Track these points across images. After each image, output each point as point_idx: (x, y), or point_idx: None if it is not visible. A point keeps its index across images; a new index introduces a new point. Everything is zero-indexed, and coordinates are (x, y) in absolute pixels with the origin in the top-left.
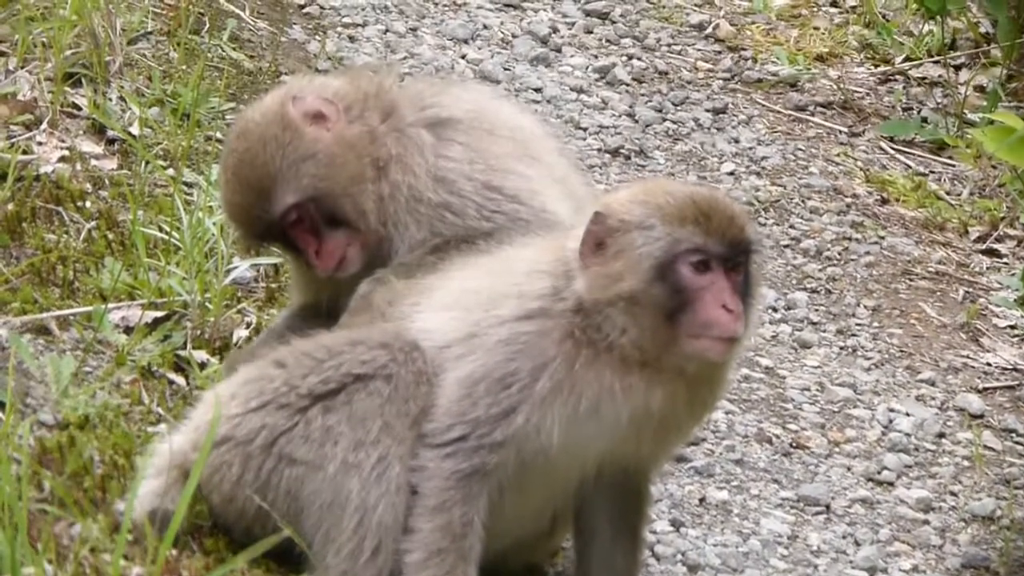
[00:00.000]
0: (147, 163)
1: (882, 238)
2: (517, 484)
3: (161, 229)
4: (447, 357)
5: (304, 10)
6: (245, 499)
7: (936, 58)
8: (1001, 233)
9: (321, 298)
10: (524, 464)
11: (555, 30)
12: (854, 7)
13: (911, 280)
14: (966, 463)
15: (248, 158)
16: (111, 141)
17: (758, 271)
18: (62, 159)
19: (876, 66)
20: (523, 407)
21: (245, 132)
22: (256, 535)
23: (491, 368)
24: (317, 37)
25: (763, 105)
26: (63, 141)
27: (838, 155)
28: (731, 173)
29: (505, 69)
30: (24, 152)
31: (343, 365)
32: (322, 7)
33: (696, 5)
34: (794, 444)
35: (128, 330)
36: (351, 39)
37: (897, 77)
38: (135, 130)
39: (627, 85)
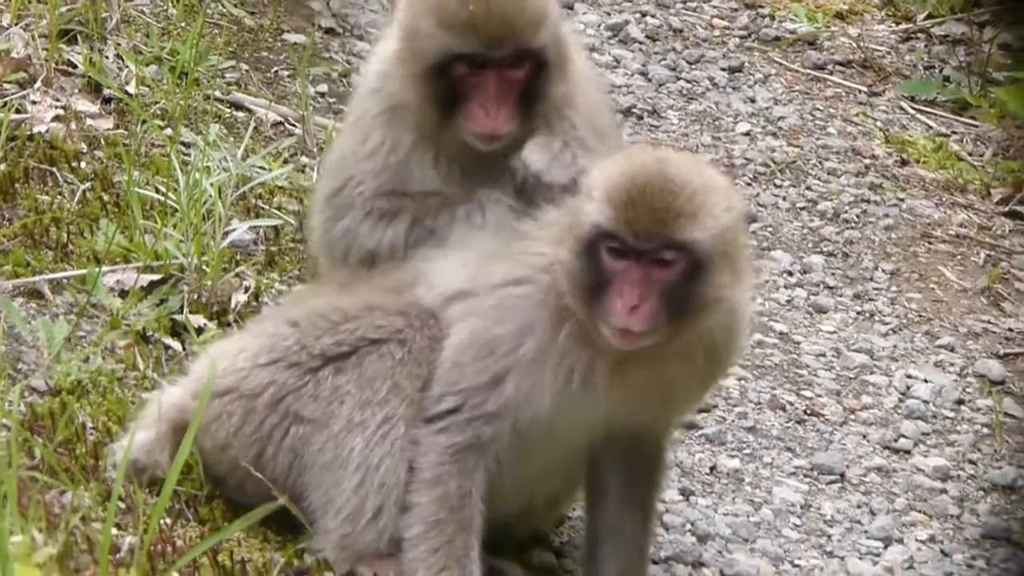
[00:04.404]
0: (144, 122)
1: (901, 200)
2: (517, 454)
3: (157, 190)
4: (449, 321)
5: None
6: (240, 449)
7: (960, 15)
8: None
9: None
10: (522, 435)
11: None
12: None
13: (931, 243)
14: (985, 431)
15: None
16: (107, 100)
17: (713, 274)
18: (56, 118)
19: (897, 23)
20: (511, 374)
21: None
22: (249, 491)
23: (478, 334)
24: None
25: (780, 64)
26: (58, 100)
27: (857, 115)
28: (747, 133)
29: None
30: (17, 111)
31: (358, 329)
32: None
33: None
34: (808, 411)
35: (123, 294)
36: None
37: (919, 35)
38: (132, 89)
39: (640, 43)
